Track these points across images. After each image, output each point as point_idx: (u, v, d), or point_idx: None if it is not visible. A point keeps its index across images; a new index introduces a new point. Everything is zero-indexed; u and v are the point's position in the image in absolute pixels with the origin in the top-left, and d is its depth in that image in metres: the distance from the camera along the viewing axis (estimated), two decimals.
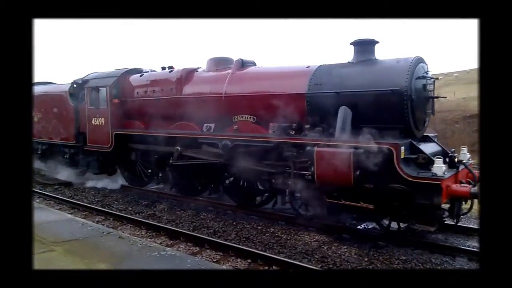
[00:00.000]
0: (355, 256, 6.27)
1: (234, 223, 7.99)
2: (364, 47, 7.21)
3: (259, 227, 7.68)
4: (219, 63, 9.39)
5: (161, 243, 6.92)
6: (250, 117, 8.22)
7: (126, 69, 11.14)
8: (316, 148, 6.74)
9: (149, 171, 10.90)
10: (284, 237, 7.14)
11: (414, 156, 6.30)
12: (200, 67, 9.80)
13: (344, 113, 6.82)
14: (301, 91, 7.43)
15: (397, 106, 6.40)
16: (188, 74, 9.52)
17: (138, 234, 7.52)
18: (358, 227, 7.60)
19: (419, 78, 6.53)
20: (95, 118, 11.13)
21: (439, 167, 5.86)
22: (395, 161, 6.05)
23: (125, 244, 5.90)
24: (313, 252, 6.41)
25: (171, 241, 7.12)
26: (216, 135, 8.49)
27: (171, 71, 9.85)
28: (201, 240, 6.93)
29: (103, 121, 10.91)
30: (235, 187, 8.90)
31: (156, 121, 10.02)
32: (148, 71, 11.08)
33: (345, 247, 6.62)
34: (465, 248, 6.45)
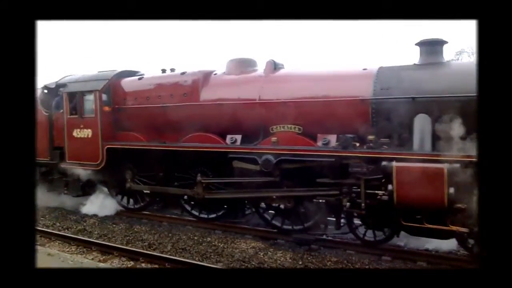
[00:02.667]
0: (290, 260, 6.35)
1: (170, 234, 7.75)
2: (433, 48, 6.39)
3: (195, 238, 7.49)
4: (243, 65, 8.07)
5: (93, 258, 6.68)
6: (295, 127, 6.99)
7: (116, 71, 9.36)
8: (395, 163, 5.73)
9: (148, 192, 9.20)
10: (221, 245, 7.05)
11: None
12: (215, 70, 8.40)
13: (423, 122, 5.92)
14: (365, 96, 6.39)
15: None
16: (206, 77, 8.09)
17: (68, 251, 7.13)
18: None
19: None
20: (78, 130, 9.18)
21: None
22: None
23: (55, 262, 5.85)
24: (250, 259, 6.40)
25: (104, 257, 6.80)
26: (257, 148, 7.08)
27: (183, 73, 8.30)
28: (135, 254, 6.67)
29: (90, 133, 9.02)
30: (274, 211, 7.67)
31: (162, 132, 8.45)
32: (143, 74, 9.43)
33: (280, 252, 6.69)
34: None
